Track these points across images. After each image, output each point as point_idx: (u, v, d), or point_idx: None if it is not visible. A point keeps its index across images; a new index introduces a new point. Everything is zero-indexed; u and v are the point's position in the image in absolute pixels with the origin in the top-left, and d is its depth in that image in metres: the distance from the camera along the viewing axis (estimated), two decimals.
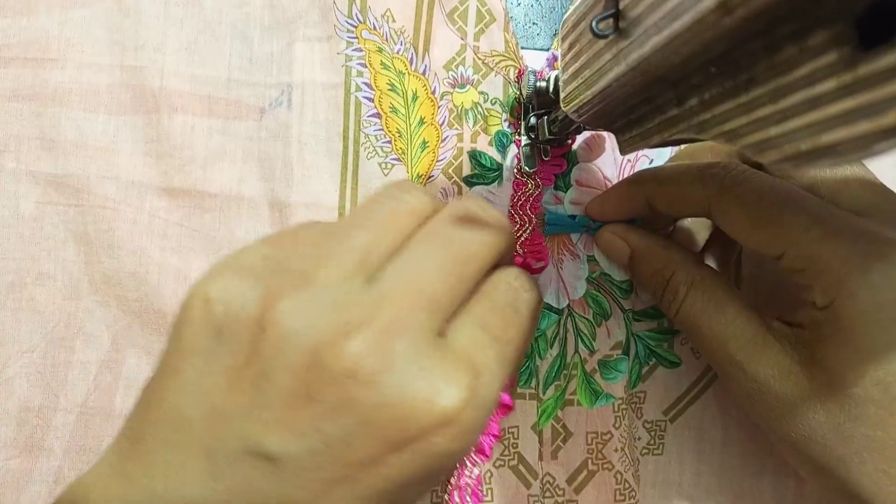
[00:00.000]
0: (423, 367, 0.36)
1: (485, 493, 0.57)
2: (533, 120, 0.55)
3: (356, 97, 0.55)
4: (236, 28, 0.55)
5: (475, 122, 0.57)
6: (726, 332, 0.48)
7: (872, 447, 0.43)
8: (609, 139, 0.58)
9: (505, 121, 0.57)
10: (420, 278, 0.38)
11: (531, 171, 0.56)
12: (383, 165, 0.56)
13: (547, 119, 0.53)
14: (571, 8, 0.44)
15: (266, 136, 0.55)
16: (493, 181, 0.57)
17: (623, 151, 0.43)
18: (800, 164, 0.27)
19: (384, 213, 0.41)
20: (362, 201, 0.45)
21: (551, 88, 0.52)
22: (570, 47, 0.44)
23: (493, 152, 0.57)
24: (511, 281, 0.44)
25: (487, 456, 0.55)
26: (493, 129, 0.57)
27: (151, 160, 0.54)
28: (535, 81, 0.53)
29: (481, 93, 0.57)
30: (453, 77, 0.57)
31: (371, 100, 0.56)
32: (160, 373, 0.39)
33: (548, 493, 0.57)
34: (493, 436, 0.55)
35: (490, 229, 0.42)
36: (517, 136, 0.57)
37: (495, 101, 0.57)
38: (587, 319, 0.58)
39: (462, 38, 0.57)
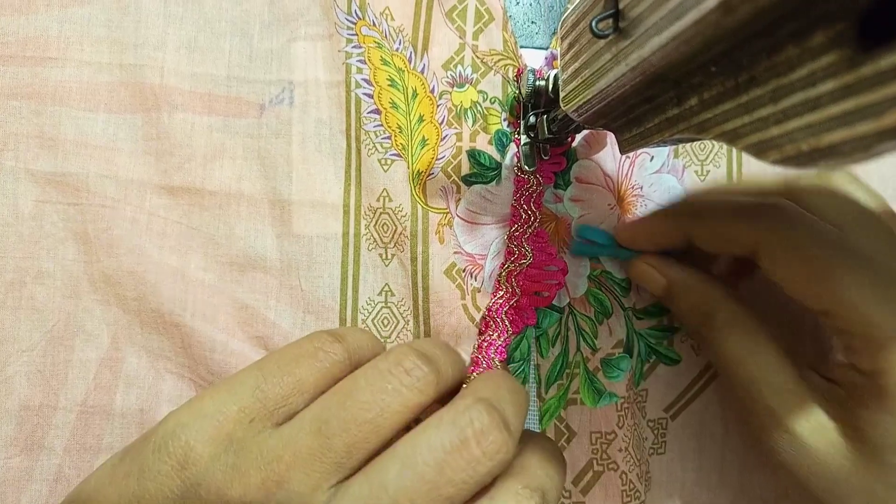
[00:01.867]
0: None
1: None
2: (532, 119, 0.55)
3: (356, 94, 0.55)
4: (236, 25, 0.55)
5: (474, 121, 0.57)
6: (763, 376, 0.48)
7: None
8: (609, 135, 0.58)
9: (504, 120, 0.57)
10: (315, 439, 0.38)
11: (531, 169, 0.56)
12: (383, 162, 0.55)
13: (546, 118, 0.53)
14: (571, 7, 0.44)
15: (267, 134, 0.55)
16: (491, 180, 0.57)
17: (623, 151, 0.43)
18: (801, 164, 0.27)
19: (383, 405, 0.39)
20: (366, 370, 0.42)
21: (550, 87, 0.52)
22: (570, 47, 0.44)
23: (492, 151, 0.57)
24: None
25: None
26: (493, 128, 0.57)
27: (151, 158, 0.54)
28: (535, 80, 0.53)
29: (480, 92, 0.57)
30: (452, 76, 0.56)
31: (370, 96, 0.55)
32: (109, 502, 0.39)
33: None
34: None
35: (422, 380, 0.41)
36: (516, 135, 0.57)
37: (494, 100, 0.57)
38: (588, 318, 0.58)
39: (461, 37, 0.56)
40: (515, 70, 0.57)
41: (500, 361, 0.56)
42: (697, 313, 0.52)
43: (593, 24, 0.35)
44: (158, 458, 0.38)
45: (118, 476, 0.40)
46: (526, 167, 0.56)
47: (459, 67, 0.57)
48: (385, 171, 0.55)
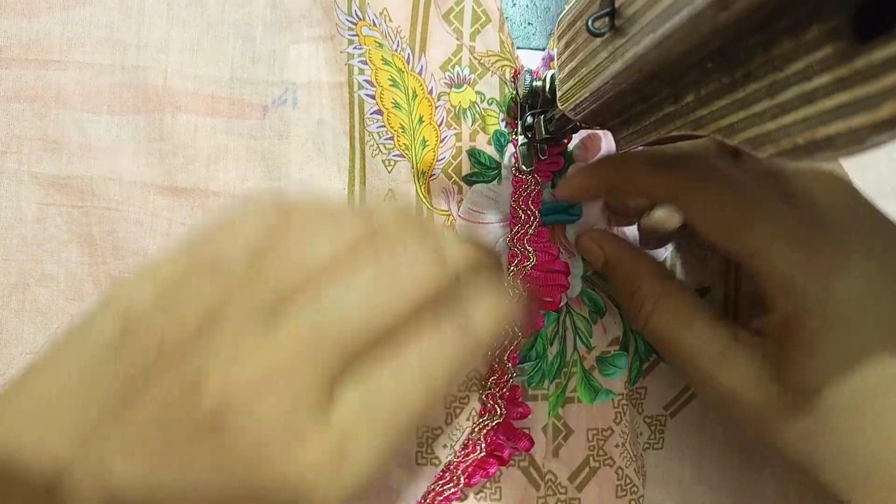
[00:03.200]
0: (292, 425, 0.34)
1: (494, 491, 0.57)
2: (529, 119, 0.55)
3: (359, 95, 0.56)
4: (239, 27, 0.55)
5: (473, 122, 0.57)
6: (693, 346, 0.49)
7: (843, 455, 0.44)
8: (604, 138, 0.59)
9: (502, 120, 0.57)
10: (317, 333, 0.36)
11: (529, 169, 0.56)
12: (387, 162, 0.56)
13: (543, 118, 0.53)
14: (567, 7, 0.44)
15: (270, 135, 0.55)
16: (492, 179, 0.57)
17: (620, 149, 0.43)
18: (797, 157, 0.27)
19: (313, 248, 0.38)
20: (309, 214, 0.41)
21: (548, 87, 0.53)
22: (566, 46, 0.44)
23: (492, 151, 0.57)
24: (432, 344, 0.40)
25: (505, 462, 0.56)
26: (491, 129, 0.57)
27: (154, 160, 0.54)
28: (532, 81, 0.54)
29: (478, 93, 0.57)
30: (450, 77, 0.57)
31: (372, 97, 0.56)
32: (55, 352, 0.38)
33: (550, 492, 0.58)
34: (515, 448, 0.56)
35: (428, 267, 0.39)
36: (514, 136, 0.57)
37: (492, 101, 0.57)
38: (584, 317, 0.59)
39: (458, 39, 0.57)
40: (512, 71, 0.57)
41: (513, 365, 0.56)
42: (626, 288, 0.53)
43: (589, 22, 0.36)
44: (101, 312, 0.38)
45: (65, 333, 0.39)
46: (524, 167, 0.56)
47: (457, 68, 0.57)
48: (389, 172, 0.56)
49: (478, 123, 0.57)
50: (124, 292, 0.38)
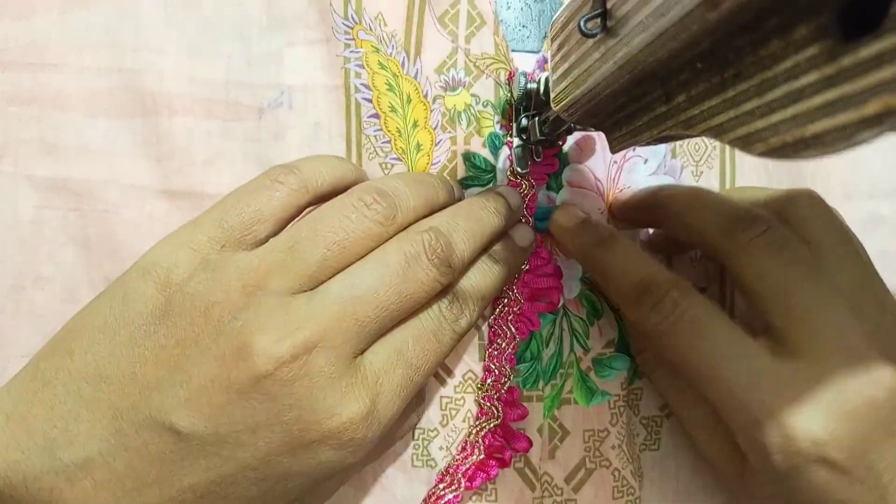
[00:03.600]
0: (333, 382, 0.42)
1: (489, 493, 0.57)
2: (524, 121, 0.56)
3: (356, 99, 0.56)
4: (234, 30, 0.55)
5: (468, 125, 0.57)
6: (724, 365, 0.48)
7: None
8: (599, 140, 0.59)
9: (497, 123, 0.57)
10: (356, 304, 0.43)
11: (524, 171, 0.56)
12: (384, 166, 0.56)
13: (538, 120, 0.53)
14: (561, 9, 0.44)
15: (266, 138, 0.55)
16: (487, 182, 0.57)
17: (613, 150, 0.44)
18: (785, 155, 0.27)
19: (348, 230, 0.45)
20: (334, 203, 0.47)
21: (542, 90, 0.53)
22: (560, 48, 0.44)
23: (487, 154, 0.57)
24: (442, 310, 0.49)
25: (507, 464, 0.56)
26: (486, 131, 0.57)
27: (151, 163, 0.54)
28: (526, 83, 0.54)
29: (473, 95, 0.57)
30: (445, 80, 0.57)
31: (370, 100, 0.56)
32: (95, 326, 0.43)
33: (546, 493, 0.58)
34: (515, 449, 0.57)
35: (381, 213, 0.47)
36: (509, 138, 0.57)
37: (487, 104, 0.57)
38: (581, 318, 0.59)
39: (453, 42, 0.57)
40: (507, 74, 0.57)
41: (511, 368, 0.57)
42: (643, 291, 0.52)
43: (582, 23, 0.36)
44: (142, 282, 0.43)
45: (102, 304, 0.44)
46: (518, 169, 0.56)
47: (452, 71, 0.57)
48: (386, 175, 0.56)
49: (472, 126, 0.57)
50: (162, 259, 0.44)
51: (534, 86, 0.54)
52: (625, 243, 0.54)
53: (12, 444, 0.41)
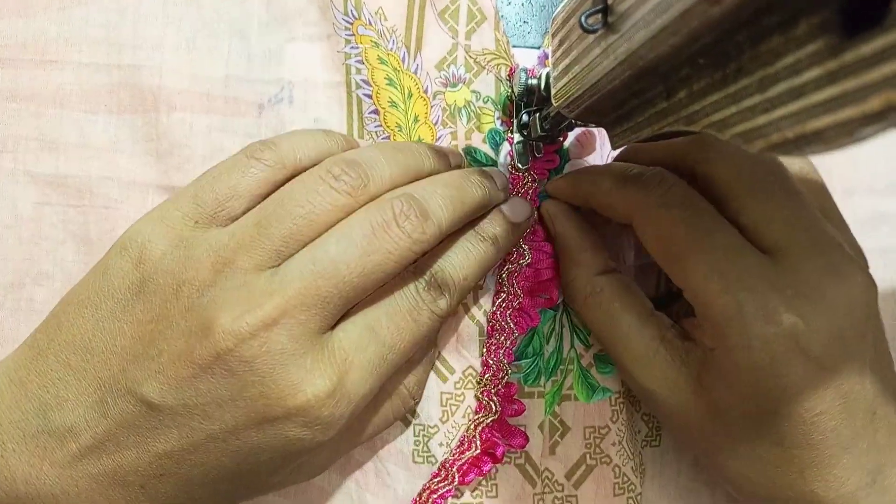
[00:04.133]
0: (297, 359, 0.43)
1: (490, 488, 0.57)
2: (525, 117, 0.56)
3: (357, 95, 0.56)
4: (234, 26, 0.55)
5: (469, 120, 0.57)
6: (619, 344, 0.51)
7: (746, 463, 0.49)
8: (599, 136, 0.59)
9: (497, 119, 0.57)
10: (317, 277, 0.43)
11: (524, 167, 0.56)
12: None
13: (539, 116, 0.53)
14: (562, 5, 0.44)
15: (266, 133, 0.55)
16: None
17: (615, 145, 0.44)
18: (787, 151, 0.27)
19: (315, 203, 0.45)
20: (303, 176, 0.48)
21: (542, 86, 0.53)
22: (560, 43, 0.44)
23: (487, 149, 0.57)
24: (419, 290, 0.49)
25: (499, 460, 0.56)
26: (487, 127, 0.57)
27: (151, 159, 0.54)
28: (527, 79, 0.54)
29: (473, 91, 0.57)
30: (445, 76, 0.57)
31: (370, 96, 0.56)
32: (80, 301, 0.46)
33: (547, 489, 0.58)
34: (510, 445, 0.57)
35: (349, 184, 0.47)
36: (509, 134, 0.57)
37: (487, 100, 0.57)
38: None
39: (453, 38, 0.57)
40: (508, 69, 0.57)
41: (509, 363, 0.56)
42: (565, 276, 0.56)
43: (583, 19, 0.36)
44: (119, 257, 0.46)
45: (88, 279, 0.47)
46: (519, 165, 0.56)
47: (452, 67, 0.57)
48: None
49: (473, 122, 0.57)
50: (138, 237, 0.46)
51: (535, 82, 0.54)
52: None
53: (13, 405, 0.45)
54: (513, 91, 0.56)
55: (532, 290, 0.57)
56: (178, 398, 0.43)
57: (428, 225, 0.47)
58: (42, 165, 0.53)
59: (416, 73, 0.56)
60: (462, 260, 0.51)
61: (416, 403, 0.55)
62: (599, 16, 0.36)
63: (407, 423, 0.57)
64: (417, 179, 0.51)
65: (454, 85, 0.57)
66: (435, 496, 0.56)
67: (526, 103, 0.56)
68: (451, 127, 0.57)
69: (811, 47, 0.26)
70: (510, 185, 0.57)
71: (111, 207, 0.53)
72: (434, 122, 0.57)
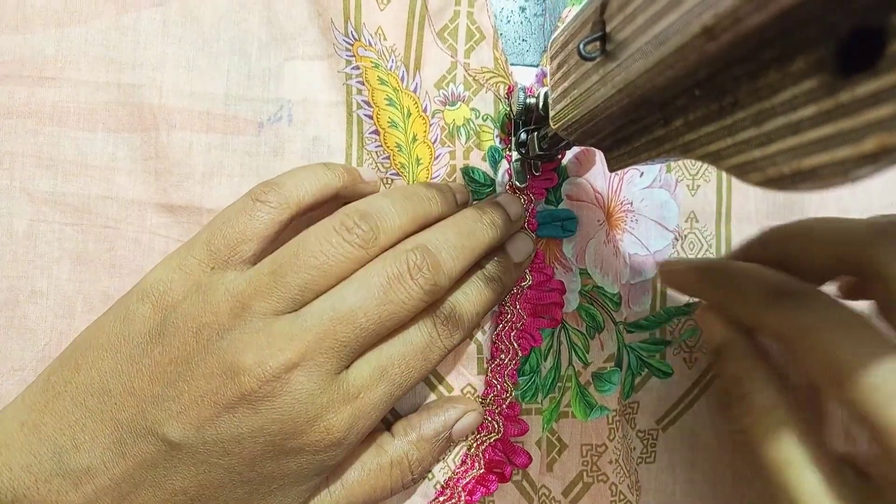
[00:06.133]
0: (315, 398, 0.45)
1: None
2: (523, 136, 0.56)
3: (357, 115, 0.56)
4: (234, 45, 0.55)
5: (467, 139, 0.57)
6: (788, 476, 0.46)
7: None
8: (598, 153, 0.59)
9: (496, 136, 0.58)
10: (336, 324, 0.46)
11: (522, 186, 0.56)
12: (384, 181, 0.56)
13: (537, 135, 0.53)
14: (560, 28, 0.44)
15: (265, 152, 0.55)
16: (487, 196, 0.57)
17: (611, 169, 0.44)
18: (782, 187, 0.27)
19: (328, 255, 0.47)
20: (317, 227, 0.49)
21: (541, 105, 0.53)
22: (559, 67, 0.44)
23: (486, 168, 0.57)
24: (436, 326, 0.51)
25: (507, 479, 0.57)
26: (486, 145, 0.57)
27: (150, 177, 0.54)
28: (525, 98, 0.54)
29: (472, 109, 0.57)
30: (444, 95, 0.57)
31: (370, 116, 0.56)
32: (99, 344, 0.47)
33: None
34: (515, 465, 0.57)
35: (361, 237, 0.48)
36: (508, 152, 0.57)
37: (486, 118, 0.57)
38: (580, 332, 0.59)
39: (452, 56, 0.57)
40: (507, 87, 0.57)
41: (513, 383, 0.57)
42: (736, 389, 0.51)
43: (581, 46, 0.36)
44: (141, 303, 0.47)
45: (106, 323, 0.47)
46: (517, 184, 0.56)
47: (451, 86, 0.57)
48: None
49: (472, 140, 0.57)
50: (159, 284, 0.47)
51: (533, 101, 0.54)
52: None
53: (25, 449, 0.44)
54: (511, 110, 0.56)
55: (535, 312, 0.57)
56: (199, 437, 0.44)
57: (440, 277, 0.49)
58: (39, 183, 0.53)
59: (415, 91, 0.56)
60: (475, 297, 0.53)
61: (415, 482, 0.55)
62: (598, 43, 0.36)
63: None
64: (426, 225, 0.52)
65: (453, 103, 0.57)
66: None
67: (524, 122, 0.56)
68: (449, 146, 0.57)
69: (807, 84, 0.26)
70: None
71: (110, 227, 0.53)
72: (433, 140, 0.57)
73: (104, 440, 0.44)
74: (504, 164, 0.57)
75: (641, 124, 0.38)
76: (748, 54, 0.28)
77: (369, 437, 0.53)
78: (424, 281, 0.48)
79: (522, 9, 0.59)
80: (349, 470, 0.51)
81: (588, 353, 0.59)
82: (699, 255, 0.62)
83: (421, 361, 0.50)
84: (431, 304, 0.50)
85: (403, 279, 0.47)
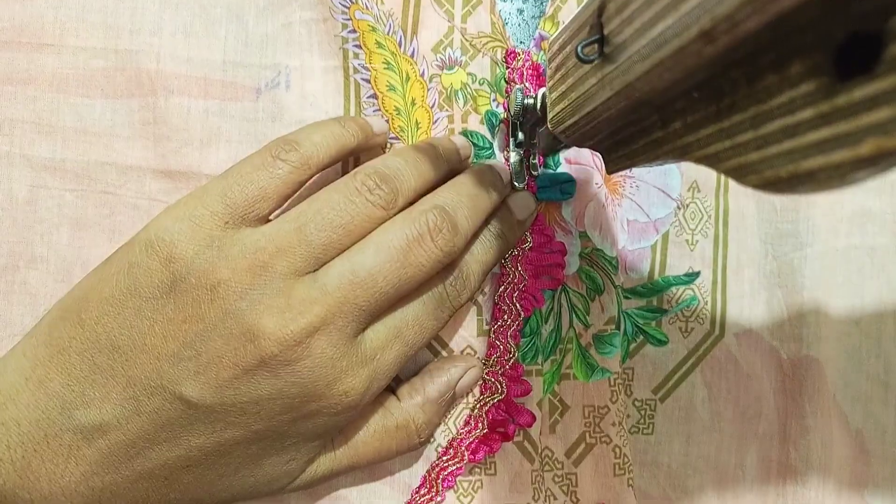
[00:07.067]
0: (335, 362, 0.45)
1: (488, 466, 0.58)
2: (521, 136, 0.56)
3: (355, 79, 0.56)
4: (231, 10, 0.55)
5: (465, 103, 0.57)
6: None
7: None
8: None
9: (493, 101, 0.58)
10: (356, 288, 0.46)
11: (521, 186, 0.57)
12: (384, 145, 0.56)
13: (539, 131, 0.54)
14: (558, 31, 0.44)
15: (263, 118, 0.55)
16: (486, 159, 0.58)
17: (609, 171, 0.44)
18: (780, 190, 0.27)
19: (353, 214, 0.48)
20: (339, 186, 0.49)
21: (538, 105, 0.53)
22: (557, 69, 0.44)
23: (484, 131, 0.58)
24: (447, 286, 0.51)
25: (510, 438, 0.58)
26: (483, 109, 0.57)
27: (149, 143, 0.54)
28: (523, 99, 0.54)
29: (469, 74, 0.57)
30: (441, 59, 0.57)
31: (368, 80, 0.56)
32: (103, 298, 0.46)
33: (547, 467, 0.59)
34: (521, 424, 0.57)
35: (383, 198, 0.49)
36: (505, 116, 0.58)
37: (483, 82, 0.57)
38: (581, 294, 0.59)
39: (449, 21, 0.57)
40: (504, 52, 0.57)
41: (516, 344, 0.57)
42: None
43: (579, 49, 0.36)
44: (147, 256, 0.45)
45: (108, 274, 0.46)
46: (517, 184, 0.57)
47: (449, 50, 0.57)
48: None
49: (469, 104, 0.57)
50: (166, 234, 0.45)
51: (531, 101, 0.54)
52: None
53: (32, 404, 0.44)
54: (509, 110, 0.57)
55: (536, 273, 0.58)
56: (218, 398, 0.44)
57: (458, 238, 0.49)
58: (39, 149, 0.53)
59: (412, 56, 0.56)
60: (482, 255, 0.53)
61: (422, 443, 0.56)
62: (595, 46, 0.36)
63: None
64: (438, 184, 0.53)
65: (450, 68, 0.57)
66: (444, 473, 0.56)
67: (522, 122, 0.56)
68: (447, 110, 0.57)
69: (805, 88, 0.26)
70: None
71: (109, 192, 0.53)
72: (431, 105, 0.57)
73: (116, 396, 0.44)
74: (502, 128, 0.58)
75: (639, 127, 0.38)
76: (746, 57, 0.28)
77: (375, 400, 0.53)
78: (444, 242, 0.48)
79: (520, 10, 0.59)
80: (356, 431, 0.52)
81: (589, 315, 0.59)
82: (699, 226, 0.62)
83: (432, 321, 0.51)
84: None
85: (423, 241, 0.47)
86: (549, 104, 0.46)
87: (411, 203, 0.51)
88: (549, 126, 0.47)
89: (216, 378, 0.44)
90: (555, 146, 0.51)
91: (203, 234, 0.45)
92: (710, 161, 0.32)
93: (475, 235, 0.54)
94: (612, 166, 0.44)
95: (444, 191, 0.52)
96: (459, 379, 0.55)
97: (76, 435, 0.44)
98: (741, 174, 0.30)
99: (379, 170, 0.49)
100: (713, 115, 0.31)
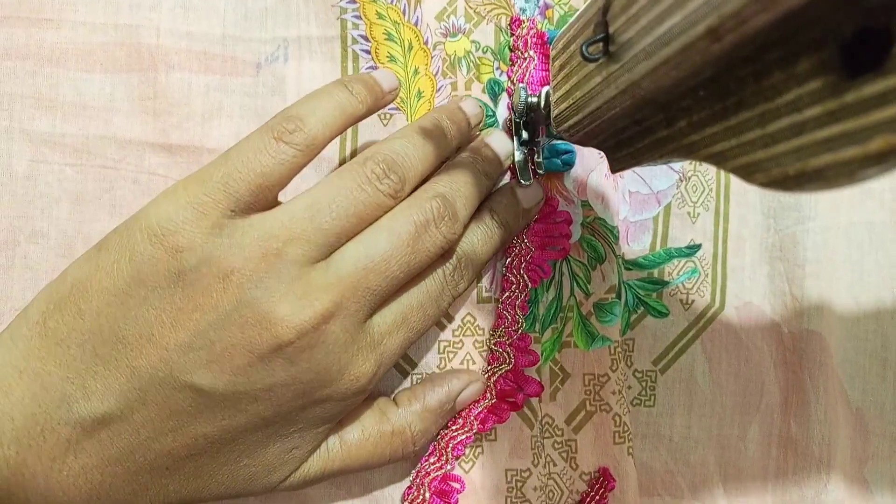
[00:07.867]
0: (347, 347, 0.46)
1: (489, 432, 0.58)
2: (525, 134, 0.56)
3: (353, 50, 0.56)
4: None
5: (468, 70, 0.57)
6: None
7: None
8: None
9: (496, 69, 0.57)
10: (368, 273, 0.46)
11: (527, 183, 0.57)
12: (382, 116, 0.56)
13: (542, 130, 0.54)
14: (562, 29, 0.44)
15: (263, 92, 0.55)
16: (489, 127, 0.58)
17: (613, 170, 0.44)
18: (788, 188, 0.27)
19: (365, 202, 0.48)
20: (348, 172, 0.48)
21: (542, 104, 0.53)
22: (561, 68, 0.44)
23: (487, 99, 0.58)
24: (446, 274, 0.52)
25: (519, 407, 0.58)
26: (486, 77, 0.57)
27: (149, 118, 0.54)
28: (527, 97, 0.54)
29: (473, 41, 0.57)
30: (445, 27, 0.57)
31: (367, 52, 0.56)
32: (103, 287, 0.44)
33: (547, 434, 0.59)
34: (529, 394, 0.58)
35: (391, 187, 0.49)
36: (509, 84, 0.57)
37: (487, 50, 0.57)
38: (582, 263, 0.59)
39: None
40: (508, 19, 0.57)
41: (524, 315, 0.57)
42: None
43: (583, 47, 0.36)
44: (150, 244, 0.44)
45: (106, 264, 0.45)
46: (522, 181, 0.57)
47: (452, 18, 0.57)
48: (385, 126, 0.56)
49: (472, 72, 0.57)
50: (168, 223, 0.44)
51: (534, 100, 0.54)
52: None
53: (28, 398, 0.43)
54: (513, 109, 0.56)
55: (543, 244, 0.58)
56: (231, 385, 0.44)
57: (458, 226, 0.50)
58: (38, 124, 0.53)
59: (416, 24, 0.56)
60: (480, 244, 0.54)
61: (416, 453, 0.56)
62: (600, 45, 0.36)
63: (405, 374, 0.58)
64: (444, 162, 0.54)
65: (454, 35, 0.57)
66: (454, 443, 0.57)
67: (526, 121, 0.56)
68: (451, 77, 0.57)
69: (812, 85, 0.26)
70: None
71: (109, 167, 0.53)
72: (434, 73, 0.57)
73: (119, 387, 0.43)
74: (504, 97, 0.58)
75: (645, 125, 0.38)
76: (753, 55, 0.28)
77: (373, 404, 0.54)
78: (447, 229, 0.49)
79: (522, 10, 0.58)
80: (350, 431, 0.52)
81: (590, 283, 0.59)
82: (701, 199, 0.62)
83: (435, 308, 0.51)
84: (445, 254, 0.52)
85: (429, 227, 0.48)
86: (552, 103, 0.46)
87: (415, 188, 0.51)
88: (553, 124, 0.47)
89: (230, 366, 0.44)
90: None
91: (209, 223, 0.44)
92: (716, 160, 0.32)
93: (475, 218, 0.54)
94: (616, 165, 0.44)
95: (443, 178, 0.52)
96: (460, 392, 0.56)
97: (76, 428, 0.43)
98: (748, 172, 0.29)
99: (388, 157, 0.49)
100: (719, 114, 0.31)
